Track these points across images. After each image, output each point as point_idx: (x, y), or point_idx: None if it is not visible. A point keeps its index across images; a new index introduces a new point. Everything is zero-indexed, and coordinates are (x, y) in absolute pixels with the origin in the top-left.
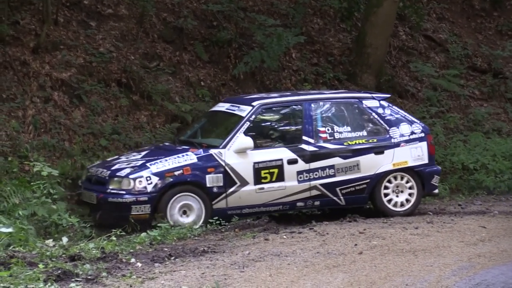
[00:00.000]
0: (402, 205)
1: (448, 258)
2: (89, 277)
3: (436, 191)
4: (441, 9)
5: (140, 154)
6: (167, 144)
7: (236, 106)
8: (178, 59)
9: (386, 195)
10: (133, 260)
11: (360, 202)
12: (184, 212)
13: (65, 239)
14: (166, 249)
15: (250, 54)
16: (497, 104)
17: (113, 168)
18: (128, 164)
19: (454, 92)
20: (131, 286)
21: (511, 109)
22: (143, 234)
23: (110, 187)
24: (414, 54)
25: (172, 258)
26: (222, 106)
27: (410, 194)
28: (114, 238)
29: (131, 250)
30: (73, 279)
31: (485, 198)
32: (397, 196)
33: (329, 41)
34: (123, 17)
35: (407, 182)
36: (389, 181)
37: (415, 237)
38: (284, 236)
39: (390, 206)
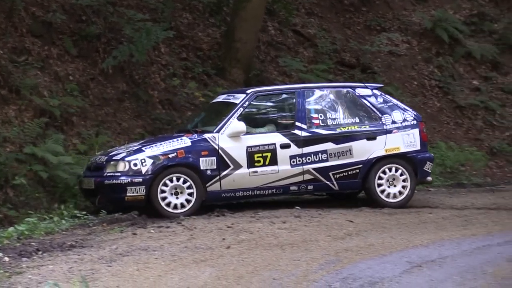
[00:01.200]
0: (395, 196)
1: (315, 252)
2: None
3: (429, 178)
4: (310, 4)
5: (138, 142)
6: (166, 134)
7: (232, 95)
8: (47, 53)
9: (379, 185)
10: (0, 254)
11: (353, 187)
12: (176, 193)
13: None
14: (34, 243)
15: (119, 48)
16: None
17: (110, 154)
18: (126, 149)
19: None
20: None
21: None
22: (11, 229)
23: (107, 171)
24: (283, 49)
25: (40, 252)
26: (220, 97)
27: (403, 187)
28: None
29: None
30: None
31: None
32: (390, 187)
33: (198, 35)
34: None
35: (401, 174)
36: (384, 172)
37: (283, 231)
38: (152, 231)
39: (383, 196)
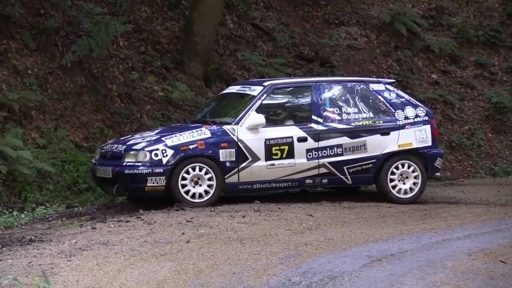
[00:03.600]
0: (406, 192)
1: (275, 247)
2: None
3: (439, 174)
4: None
5: (153, 131)
6: (178, 124)
7: (247, 87)
8: (5, 47)
9: (391, 180)
10: None
11: (366, 182)
12: (196, 183)
13: None
14: None
15: (78, 42)
16: None
17: (128, 143)
18: (143, 139)
19: None
20: None
21: None
22: None
23: (126, 160)
24: (241, 43)
25: None
26: (233, 88)
27: (414, 183)
28: None
29: None
30: None
31: None
32: (403, 183)
33: (156, 29)
34: None
35: (413, 171)
36: (396, 168)
37: (242, 225)
38: (112, 225)
39: (394, 192)
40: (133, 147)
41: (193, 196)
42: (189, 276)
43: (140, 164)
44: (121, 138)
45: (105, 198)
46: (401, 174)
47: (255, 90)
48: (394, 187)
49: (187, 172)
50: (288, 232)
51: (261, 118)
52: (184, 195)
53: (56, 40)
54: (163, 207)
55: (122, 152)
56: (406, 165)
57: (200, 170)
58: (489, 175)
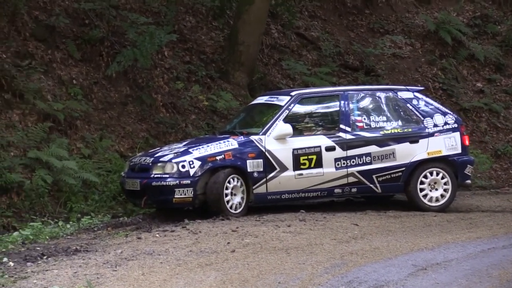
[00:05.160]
0: (437, 200)
1: (320, 256)
2: None
3: (469, 181)
4: (313, 7)
5: (181, 143)
6: (207, 136)
7: (275, 97)
8: (50, 57)
9: (422, 190)
10: (5, 259)
11: (396, 190)
12: (232, 194)
13: None
14: (38, 248)
15: (123, 52)
16: None
17: (156, 155)
18: (171, 151)
19: None
20: (3, 286)
21: None
22: (16, 233)
23: (154, 172)
24: (286, 52)
25: (45, 257)
26: (261, 99)
27: (445, 190)
28: None
29: (3, 250)
30: None
31: None
32: (432, 191)
33: (201, 39)
34: None
35: (442, 178)
36: (425, 176)
37: (288, 235)
38: (157, 235)
39: (425, 201)
40: (160, 159)
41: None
42: (234, 286)
43: (168, 176)
44: (150, 151)
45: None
46: (431, 182)
47: (283, 100)
48: (424, 195)
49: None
50: (333, 241)
51: (288, 128)
52: (228, 206)
53: (101, 50)
54: (208, 216)
55: (150, 164)
56: (435, 173)
57: (237, 181)
58: None
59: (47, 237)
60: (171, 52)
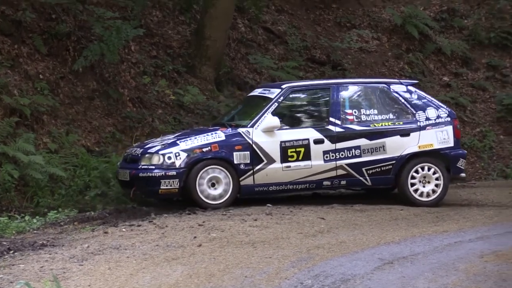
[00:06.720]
0: (428, 195)
1: (287, 250)
2: None
3: (463, 174)
4: (280, 1)
5: (173, 135)
6: (201, 127)
7: (267, 90)
8: (17, 52)
9: (412, 184)
10: None
11: (386, 183)
12: (213, 185)
13: None
14: (5, 243)
15: (90, 47)
16: None
17: (146, 146)
18: (161, 143)
19: None
20: None
21: None
22: None
23: (142, 163)
24: (253, 46)
25: (11, 252)
26: (256, 91)
27: (436, 185)
28: None
29: None
30: None
31: None
32: (423, 186)
33: (168, 33)
34: None
35: (434, 173)
36: (417, 171)
37: (254, 229)
38: (124, 229)
39: (416, 195)
40: (148, 151)
41: (208, 197)
42: (201, 280)
43: (154, 167)
44: (144, 142)
45: (116, 202)
46: (422, 177)
47: (273, 92)
48: (415, 190)
49: (202, 177)
50: (300, 235)
51: (276, 121)
52: (202, 197)
53: (68, 44)
54: (175, 211)
55: (139, 155)
56: (426, 168)
57: (219, 172)
58: (501, 177)
59: (14, 232)
60: (138, 47)
